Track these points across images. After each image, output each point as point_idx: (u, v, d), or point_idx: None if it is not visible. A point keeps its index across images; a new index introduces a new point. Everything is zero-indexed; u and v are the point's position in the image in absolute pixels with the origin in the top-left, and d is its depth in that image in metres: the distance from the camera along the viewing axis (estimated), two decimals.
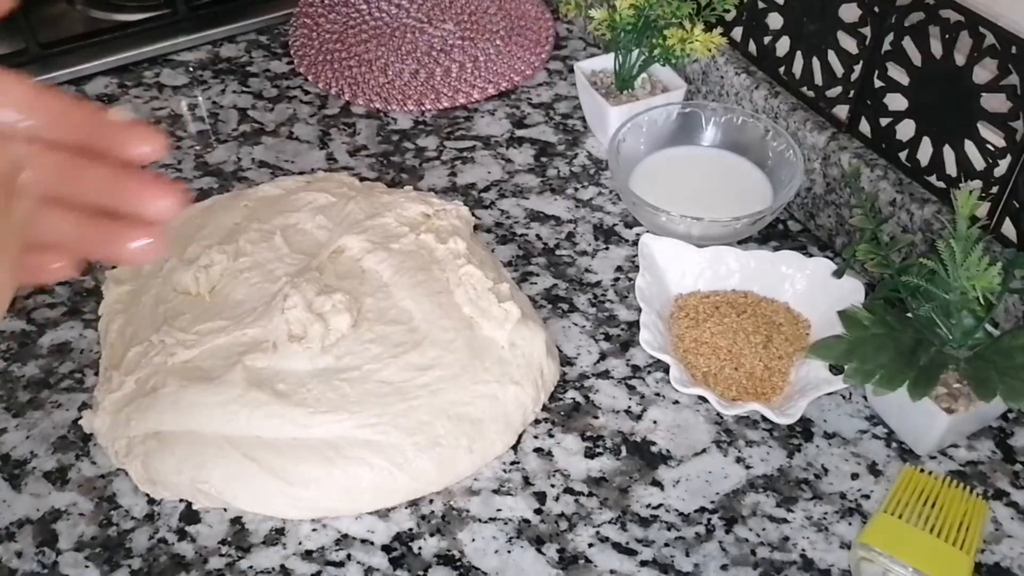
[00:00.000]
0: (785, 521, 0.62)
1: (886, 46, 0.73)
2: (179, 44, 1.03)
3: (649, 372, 0.72)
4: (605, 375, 0.71)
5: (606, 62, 0.91)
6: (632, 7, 0.83)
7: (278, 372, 0.65)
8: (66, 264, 0.36)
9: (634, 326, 0.74)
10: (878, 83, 0.75)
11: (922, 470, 0.61)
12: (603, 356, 0.73)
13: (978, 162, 0.69)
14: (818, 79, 0.80)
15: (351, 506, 0.63)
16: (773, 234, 0.83)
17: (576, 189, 0.87)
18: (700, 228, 0.76)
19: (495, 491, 0.64)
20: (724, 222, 0.75)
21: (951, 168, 0.71)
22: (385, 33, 1.05)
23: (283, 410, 0.63)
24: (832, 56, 0.78)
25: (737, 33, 0.88)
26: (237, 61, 1.02)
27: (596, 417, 0.69)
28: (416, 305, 0.69)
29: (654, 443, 0.67)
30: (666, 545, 0.61)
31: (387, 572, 0.60)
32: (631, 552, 0.61)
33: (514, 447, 0.67)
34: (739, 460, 0.66)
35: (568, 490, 0.64)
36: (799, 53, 0.81)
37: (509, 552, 0.61)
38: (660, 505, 0.63)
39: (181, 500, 0.63)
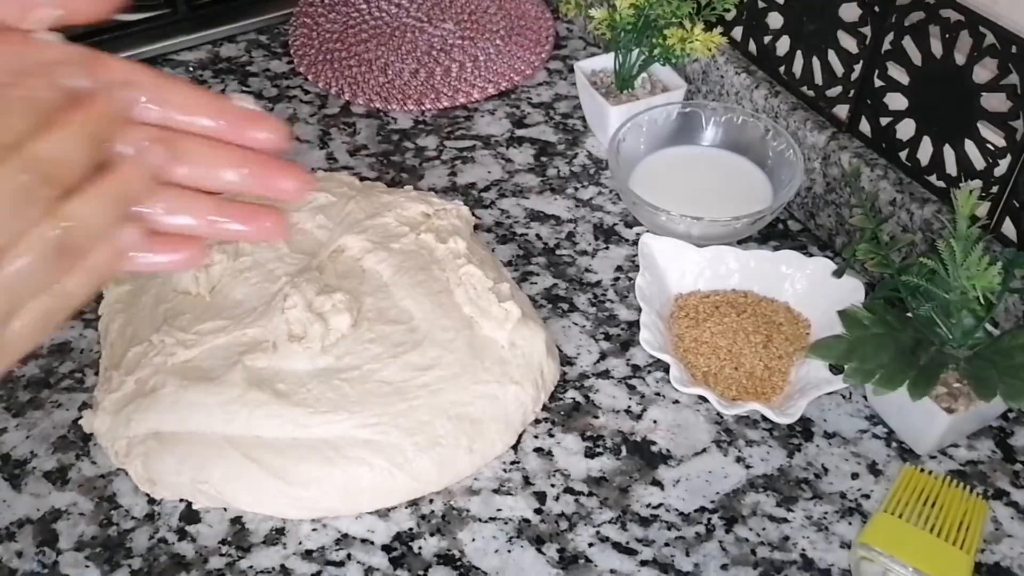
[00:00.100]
0: (785, 521, 0.62)
1: (886, 45, 0.73)
2: (179, 44, 1.03)
3: (649, 372, 0.72)
4: (605, 375, 0.71)
5: (606, 62, 0.91)
6: (632, 7, 0.83)
7: (278, 372, 0.65)
8: (197, 251, 0.37)
9: (634, 326, 0.74)
10: (878, 83, 0.75)
11: (922, 470, 0.61)
12: (603, 356, 0.73)
13: (978, 162, 0.69)
14: (818, 79, 0.80)
15: (351, 506, 0.63)
16: (773, 234, 0.83)
17: (576, 189, 0.87)
18: (700, 228, 0.76)
19: (495, 491, 0.64)
20: (724, 222, 0.75)
21: (951, 168, 0.71)
22: (385, 33, 1.05)
23: (283, 410, 0.63)
24: (832, 55, 0.78)
25: (737, 32, 0.88)
26: (237, 61, 1.02)
27: (596, 417, 0.69)
28: (416, 305, 0.69)
29: (654, 443, 0.67)
30: (666, 545, 0.61)
31: (387, 572, 0.60)
32: (631, 552, 0.61)
33: (514, 447, 0.67)
34: (739, 460, 0.66)
35: (568, 490, 0.64)
36: (799, 52, 0.81)
37: (509, 552, 0.61)
38: (660, 505, 0.63)
39: (181, 500, 0.63)
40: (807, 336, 0.72)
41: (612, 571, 0.60)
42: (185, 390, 0.64)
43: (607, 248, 0.81)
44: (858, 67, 0.76)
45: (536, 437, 0.67)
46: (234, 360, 0.66)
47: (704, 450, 0.66)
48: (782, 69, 0.84)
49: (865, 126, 0.77)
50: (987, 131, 0.68)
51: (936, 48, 0.69)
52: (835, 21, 0.77)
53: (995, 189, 0.68)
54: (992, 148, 0.68)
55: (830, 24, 0.77)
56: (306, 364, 0.66)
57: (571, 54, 1.03)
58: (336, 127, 0.94)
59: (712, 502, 0.63)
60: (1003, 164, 0.67)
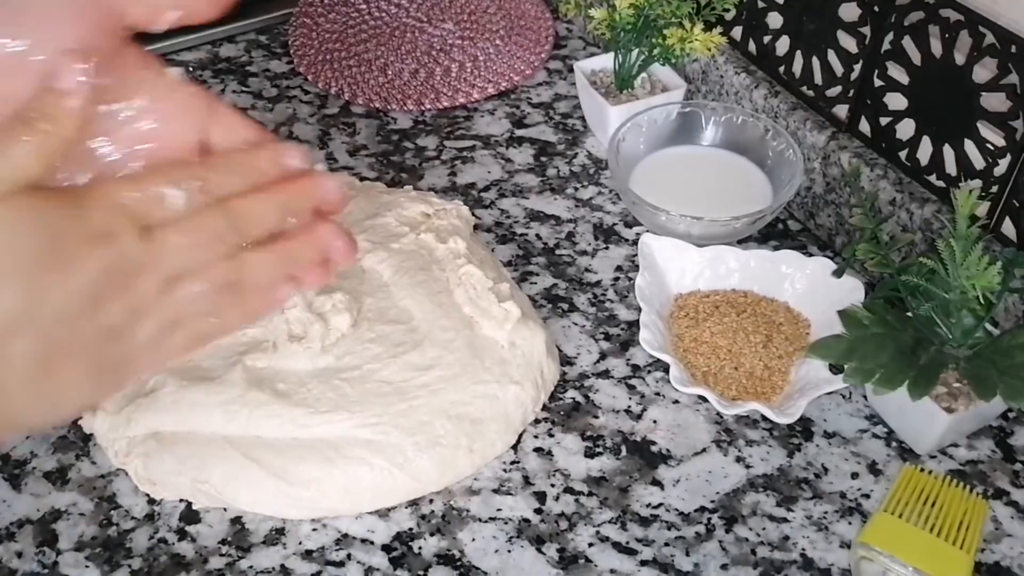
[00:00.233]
0: (785, 520, 0.62)
1: (886, 45, 0.73)
2: (178, 44, 1.03)
3: (649, 372, 0.72)
4: (605, 375, 0.71)
5: (606, 62, 0.91)
6: (632, 6, 0.83)
7: (278, 372, 0.65)
8: (286, 293, 0.43)
9: (634, 326, 0.74)
10: (878, 82, 0.75)
11: (922, 469, 0.61)
12: (603, 356, 0.73)
13: (978, 161, 0.69)
14: (818, 78, 0.80)
15: (351, 506, 0.63)
16: (773, 233, 0.83)
17: (576, 189, 0.87)
18: (700, 228, 0.76)
19: (495, 491, 0.64)
20: (724, 221, 0.75)
21: (951, 167, 0.71)
22: (385, 33, 1.05)
23: (283, 410, 0.63)
24: (832, 55, 0.78)
25: (737, 32, 0.88)
26: (237, 61, 1.02)
27: (596, 417, 0.69)
28: (416, 305, 0.69)
29: (654, 443, 0.67)
30: (666, 544, 0.61)
31: (387, 572, 0.60)
32: (631, 552, 0.61)
33: (514, 447, 0.67)
34: (739, 459, 0.66)
35: (568, 490, 0.64)
36: (799, 52, 0.81)
37: (509, 552, 0.61)
38: (660, 505, 0.63)
39: (181, 500, 0.63)
40: (807, 336, 0.72)
41: (612, 571, 0.60)
42: (185, 390, 0.64)
43: (607, 248, 0.81)
44: (858, 67, 0.76)
45: (536, 437, 0.67)
46: (234, 360, 0.66)
47: (704, 450, 0.66)
48: (782, 69, 0.84)
49: (865, 126, 0.77)
50: (987, 131, 0.68)
51: (936, 48, 0.69)
52: (835, 21, 0.77)
53: (995, 189, 0.68)
54: (992, 148, 0.68)
55: (830, 24, 0.77)
56: (306, 364, 0.66)
57: (571, 54, 1.03)
58: (336, 127, 0.94)
59: (712, 502, 0.63)
60: (1003, 164, 0.67)
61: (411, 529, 0.62)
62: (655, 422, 0.68)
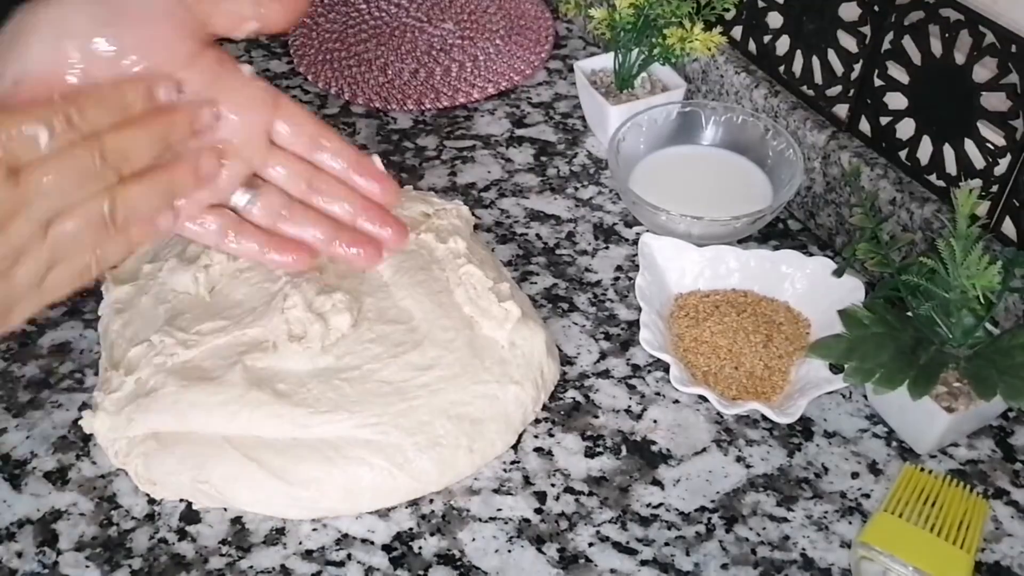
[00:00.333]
0: (785, 520, 0.62)
1: (886, 45, 0.73)
2: None
3: (649, 371, 0.72)
4: (605, 374, 0.71)
5: (606, 61, 0.91)
6: (632, 6, 0.83)
7: (278, 372, 0.65)
8: (307, 256, 0.46)
9: (634, 325, 0.74)
10: (878, 82, 0.75)
11: (922, 469, 0.61)
12: (603, 355, 0.73)
13: (978, 161, 0.69)
14: (818, 78, 0.80)
15: (351, 506, 0.63)
16: (773, 233, 0.83)
17: (576, 188, 0.87)
18: (700, 227, 0.76)
19: (495, 491, 0.64)
20: (724, 221, 0.75)
21: (951, 167, 0.71)
22: (385, 33, 1.05)
23: (283, 410, 0.63)
24: (832, 55, 0.78)
25: (737, 32, 0.88)
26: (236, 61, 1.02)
27: (596, 416, 0.69)
28: (416, 305, 0.69)
29: (654, 442, 0.67)
30: (666, 544, 0.61)
31: (387, 572, 0.60)
32: (631, 551, 0.61)
33: (514, 447, 0.67)
34: (739, 459, 0.66)
35: (568, 489, 0.64)
36: (799, 52, 0.81)
37: (509, 552, 0.61)
38: (660, 504, 0.63)
39: (181, 500, 0.63)
40: (807, 335, 0.72)
41: (612, 571, 0.60)
42: (185, 390, 0.64)
43: (607, 248, 0.81)
44: (858, 66, 0.76)
45: (536, 437, 0.67)
46: (234, 360, 0.66)
47: (704, 450, 0.66)
48: (782, 68, 0.84)
49: (865, 125, 0.77)
50: (987, 130, 0.68)
51: (936, 47, 0.69)
52: (835, 20, 0.77)
53: (995, 188, 0.68)
54: (992, 147, 0.68)
55: (830, 23, 0.77)
56: (306, 364, 0.66)
57: (571, 54, 1.03)
58: (336, 127, 0.94)
59: (712, 501, 0.63)
60: (1003, 163, 0.67)
61: (411, 529, 0.62)
62: (655, 422, 0.68)
